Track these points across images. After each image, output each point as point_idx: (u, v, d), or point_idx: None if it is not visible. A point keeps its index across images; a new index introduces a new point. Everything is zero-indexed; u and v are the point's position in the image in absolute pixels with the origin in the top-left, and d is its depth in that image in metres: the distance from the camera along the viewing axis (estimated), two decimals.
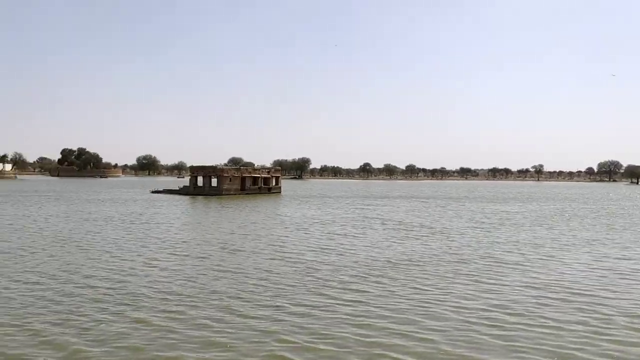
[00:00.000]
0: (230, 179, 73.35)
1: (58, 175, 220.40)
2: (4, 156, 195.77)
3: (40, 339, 10.15)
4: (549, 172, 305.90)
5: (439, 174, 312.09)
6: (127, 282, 15.25)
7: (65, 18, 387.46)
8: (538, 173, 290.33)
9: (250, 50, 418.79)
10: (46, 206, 47.31)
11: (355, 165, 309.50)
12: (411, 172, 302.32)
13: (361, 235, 27.77)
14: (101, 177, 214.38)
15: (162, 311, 12.20)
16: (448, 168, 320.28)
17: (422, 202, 63.26)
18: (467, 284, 15.75)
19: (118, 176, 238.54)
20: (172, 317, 11.79)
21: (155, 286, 14.73)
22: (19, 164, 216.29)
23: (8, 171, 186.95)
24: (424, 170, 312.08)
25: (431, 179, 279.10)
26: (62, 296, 13.40)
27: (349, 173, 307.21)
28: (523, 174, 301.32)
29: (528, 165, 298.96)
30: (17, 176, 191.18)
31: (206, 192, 72.39)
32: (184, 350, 9.69)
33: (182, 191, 75.51)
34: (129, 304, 12.72)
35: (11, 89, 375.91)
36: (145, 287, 14.62)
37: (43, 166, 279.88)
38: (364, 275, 16.87)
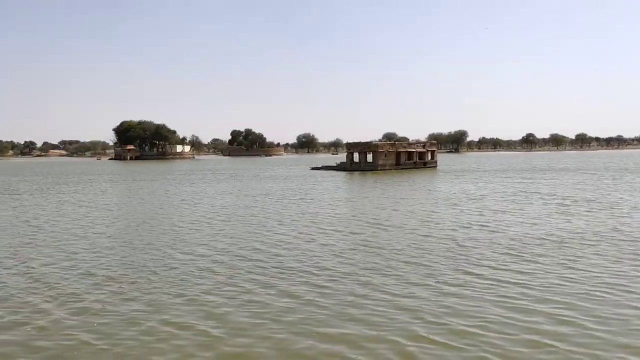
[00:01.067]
0: (385, 154, 73.53)
1: (229, 155, 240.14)
2: (184, 139, 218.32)
3: (198, 307, 10.98)
4: None
5: (615, 142, 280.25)
6: (280, 255, 15.97)
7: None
8: None
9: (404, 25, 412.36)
10: (217, 184, 51.84)
11: (517, 136, 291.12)
12: (582, 141, 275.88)
13: (517, 211, 25.94)
14: (265, 155, 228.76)
15: (311, 285, 12.53)
16: (626, 136, 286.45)
17: (591, 174, 57.30)
18: None
19: (280, 154, 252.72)
20: (320, 292, 12.04)
21: (306, 260, 15.20)
22: (196, 145, 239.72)
23: (187, 152, 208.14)
24: (597, 139, 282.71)
25: (606, 149, 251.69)
26: (217, 266, 14.44)
27: (509, 145, 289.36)
28: None
29: None
30: (195, 156, 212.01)
31: (362, 167, 73.51)
32: (329, 327, 9.81)
33: (340, 167, 77.63)
34: (280, 277, 13.28)
35: (196, 83, 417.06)
36: (295, 260, 15.17)
37: (216, 146, 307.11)
38: (519, 254, 15.68)
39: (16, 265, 14.90)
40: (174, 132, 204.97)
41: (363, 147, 75.17)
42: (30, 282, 12.96)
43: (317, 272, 13.79)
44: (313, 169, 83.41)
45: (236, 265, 14.62)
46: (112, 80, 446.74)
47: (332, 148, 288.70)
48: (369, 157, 74.58)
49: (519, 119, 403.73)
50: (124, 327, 9.65)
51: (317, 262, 14.95)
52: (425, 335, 9.37)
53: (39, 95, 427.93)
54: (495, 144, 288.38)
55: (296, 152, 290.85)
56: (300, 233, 20.03)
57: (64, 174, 76.73)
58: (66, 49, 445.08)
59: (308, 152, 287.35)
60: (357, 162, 75.61)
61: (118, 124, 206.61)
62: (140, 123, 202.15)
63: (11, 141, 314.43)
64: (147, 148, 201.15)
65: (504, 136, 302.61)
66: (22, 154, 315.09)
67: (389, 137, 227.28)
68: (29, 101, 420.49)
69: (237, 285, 12.53)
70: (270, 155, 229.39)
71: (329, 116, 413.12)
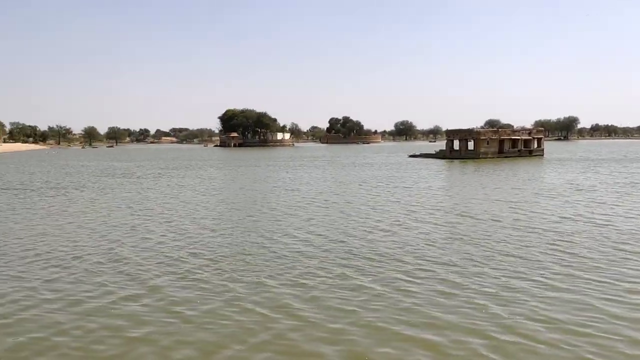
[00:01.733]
0: (487, 141, 70.81)
1: (326, 142, 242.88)
2: (284, 127, 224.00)
3: (291, 290, 11.24)
4: None
5: None
6: (373, 241, 15.92)
7: None
8: None
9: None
10: (314, 170, 52.73)
11: (635, 122, 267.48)
12: None
13: (631, 204, 23.94)
14: (363, 143, 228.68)
15: (403, 272, 12.39)
16: None
17: None
18: None
19: (378, 142, 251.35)
20: (411, 280, 11.88)
21: (398, 248, 15.05)
22: (296, 133, 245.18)
23: (287, 139, 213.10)
24: None
25: None
26: (311, 250, 14.69)
27: (626, 132, 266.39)
28: None
29: None
30: (294, 144, 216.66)
31: (462, 155, 71.36)
32: (419, 315, 9.70)
33: (439, 155, 75.93)
34: (372, 263, 13.26)
35: (296, 73, 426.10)
36: (387, 247, 15.06)
37: (314, 134, 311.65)
38: (630, 251, 14.48)
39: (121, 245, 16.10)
40: (275, 120, 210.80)
41: (464, 134, 72.84)
42: (144, 259, 13.94)
43: (409, 260, 13.63)
44: (411, 156, 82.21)
45: (330, 249, 14.81)
46: (217, 70, 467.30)
47: (431, 135, 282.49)
48: (470, 145, 72.17)
49: (636, 104, 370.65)
50: (223, 307, 10.12)
51: (410, 250, 14.77)
52: (524, 331, 8.97)
53: (152, 87, 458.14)
54: (609, 132, 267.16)
55: (393, 140, 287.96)
56: (395, 221, 19.86)
57: (174, 159, 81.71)
58: (165, 44, 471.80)
59: (406, 139, 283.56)
60: (457, 150, 73.49)
61: (223, 112, 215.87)
62: (243, 111, 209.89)
63: (128, 129, 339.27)
64: (249, 135, 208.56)
65: (619, 123, 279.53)
66: (138, 140, 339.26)
67: (492, 124, 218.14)
68: (144, 93, 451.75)
69: (329, 269, 12.69)
70: (367, 143, 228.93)
71: (428, 103, 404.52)
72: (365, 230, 17.91)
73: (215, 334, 8.79)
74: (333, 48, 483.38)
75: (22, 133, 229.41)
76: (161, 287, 11.28)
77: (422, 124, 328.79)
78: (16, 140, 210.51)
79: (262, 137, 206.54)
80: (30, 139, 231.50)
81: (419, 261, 13.50)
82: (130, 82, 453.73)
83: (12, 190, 33.09)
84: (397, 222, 19.56)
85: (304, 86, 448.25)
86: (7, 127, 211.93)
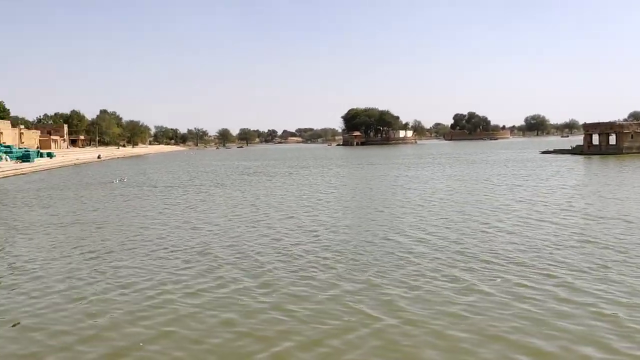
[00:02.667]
0: (631, 135, 64.28)
1: (451, 139, 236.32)
2: (406, 124, 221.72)
3: (399, 288, 10.94)
4: None
5: None
6: (494, 242, 15.04)
7: None
8: None
9: None
10: (435, 168, 51.49)
11: None
12: None
13: None
14: (490, 139, 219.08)
15: (516, 276, 11.53)
16: None
17: None
18: None
19: (506, 138, 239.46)
20: (522, 285, 10.97)
21: (513, 251, 14.06)
22: (418, 130, 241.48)
23: (409, 137, 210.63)
24: None
25: None
26: (423, 249, 14.22)
27: None
28: None
29: None
30: (417, 141, 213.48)
31: (603, 151, 65.37)
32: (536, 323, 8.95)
33: (575, 151, 70.34)
34: (485, 267, 12.53)
35: (419, 69, 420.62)
36: (505, 250, 14.12)
37: (438, 131, 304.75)
38: None
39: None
40: (397, 117, 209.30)
41: (604, 128, 66.68)
42: (263, 255, 14.45)
43: (529, 262, 12.59)
44: (543, 152, 77.11)
45: (442, 250, 14.25)
46: (341, 70, 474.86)
47: (566, 130, 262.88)
48: (612, 139, 65.94)
49: None
50: (329, 303, 10.12)
51: (532, 253, 13.62)
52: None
53: (278, 89, 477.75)
54: None
55: (523, 135, 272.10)
56: (518, 222, 18.56)
57: (299, 158, 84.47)
58: (291, 47, 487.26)
59: (537, 134, 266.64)
60: (596, 145, 67.47)
61: (346, 112, 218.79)
62: (365, 110, 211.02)
63: (257, 130, 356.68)
64: (371, 134, 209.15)
65: None
66: (266, 141, 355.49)
67: (637, 116, 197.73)
68: (271, 95, 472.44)
69: (440, 270, 12.17)
70: (495, 139, 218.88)
71: (560, 95, 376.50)
72: (483, 231, 16.97)
73: (317, 330, 8.81)
74: (454, 40, 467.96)
75: (165, 135, 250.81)
76: (273, 282, 11.58)
77: (555, 118, 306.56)
78: (160, 142, 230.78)
79: (384, 135, 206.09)
80: (172, 141, 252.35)
81: (539, 264, 12.47)
82: (259, 85, 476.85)
83: (160, 187, 36.19)
84: (520, 223, 18.29)
85: (427, 82, 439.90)
86: (152, 130, 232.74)
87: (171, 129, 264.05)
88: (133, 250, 14.99)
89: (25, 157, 66.01)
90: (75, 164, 76.70)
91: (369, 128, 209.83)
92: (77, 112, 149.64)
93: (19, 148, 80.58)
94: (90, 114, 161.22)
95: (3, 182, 43.99)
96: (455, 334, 8.53)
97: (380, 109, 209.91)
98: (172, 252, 14.76)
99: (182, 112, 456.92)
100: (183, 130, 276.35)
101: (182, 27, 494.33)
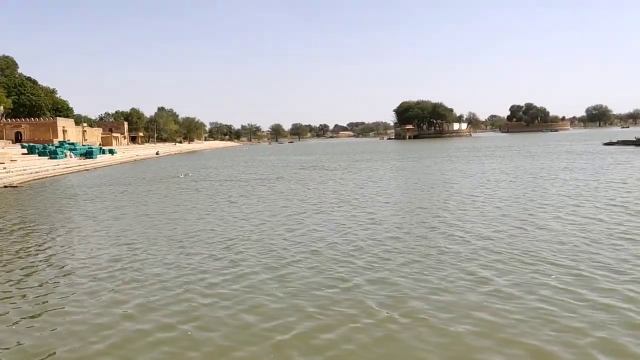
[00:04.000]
0: None
1: (507, 131, 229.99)
2: (460, 117, 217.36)
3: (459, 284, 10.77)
4: None
5: None
6: (533, 240, 14.55)
7: None
8: None
9: None
10: (488, 161, 50.27)
11: None
12: None
13: None
14: (548, 130, 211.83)
15: (545, 276, 11.11)
16: None
17: None
18: None
19: (567, 129, 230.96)
20: (545, 285, 10.50)
21: (547, 251, 13.54)
22: (473, 122, 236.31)
23: (464, 130, 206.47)
24: None
25: None
26: (477, 247, 13.92)
27: None
28: None
29: None
30: (471, 134, 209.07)
31: None
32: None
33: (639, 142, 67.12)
34: (516, 267, 12.15)
35: (472, 59, 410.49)
36: (539, 248, 13.65)
37: (493, 123, 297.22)
38: None
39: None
40: (451, 110, 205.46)
41: None
42: (289, 247, 14.56)
43: (565, 263, 12.08)
44: (606, 144, 73.84)
45: (500, 250, 13.92)
46: (392, 63, 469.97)
47: (630, 120, 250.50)
48: None
49: None
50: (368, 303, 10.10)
51: (571, 252, 12.98)
52: None
53: (329, 85, 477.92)
54: None
55: (584, 127, 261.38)
56: (571, 223, 17.72)
57: (351, 153, 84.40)
58: (342, 44, 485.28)
59: (599, 125, 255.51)
60: None
61: (398, 105, 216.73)
62: (418, 103, 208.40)
63: (309, 125, 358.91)
64: (424, 127, 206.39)
65: None
66: (317, 135, 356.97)
67: None
68: (322, 91, 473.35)
69: (469, 271, 11.91)
70: (554, 131, 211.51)
71: (624, 85, 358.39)
72: (536, 231, 16.24)
73: (351, 329, 8.82)
74: (511, 32, 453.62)
75: (220, 131, 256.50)
76: (291, 275, 11.64)
77: (618, 108, 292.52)
78: (215, 138, 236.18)
79: (437, 128, 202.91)
80: (227, 137, 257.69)
81: (574, 264, 11.88)
82: (310, 80, 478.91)
83: (221, 180, 37.09)
84: (575, 222, 17.49)
85: (482, 73, 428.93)
86: (207, 127, 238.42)
87: (225, 125, 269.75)
88: (219, 238, 15.42)
89: (88, 154, 68.96)
90: (135, 160, 79.62)
91: (421, 121, 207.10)
92: (136, 110, 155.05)
93: (83, 145, 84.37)
94: (148, 111, 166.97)
95: (70, 177, 46.20)
96: (474, 339, 8.35)
97: (434, 101, 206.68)
98: (209, 243, 15.08)
99: (236, 108, 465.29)
100: (237, 126, 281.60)
101: (236, 25, 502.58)
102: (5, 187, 34.88)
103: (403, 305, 9.56)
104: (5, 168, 41.37)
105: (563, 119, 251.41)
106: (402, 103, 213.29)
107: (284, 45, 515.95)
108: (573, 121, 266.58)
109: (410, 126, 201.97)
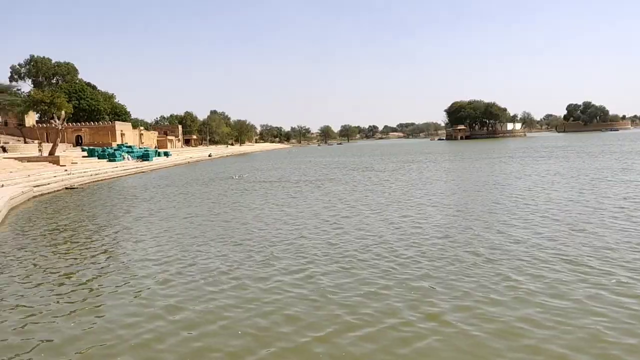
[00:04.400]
0: None
1: (564, 131, 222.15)
2: (514, 116, 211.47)
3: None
4: None
5: None
6: (570, 244, 13.87)
7: None
8: None
9: None
10: (540, 162, 48.63)
11: None
12: None
13: None
14: (609, 130, 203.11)
15: (590, 284, 10.53)
16: None
17: None
18: None
19: (627, 128, 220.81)
20: (588, 296, 9.99)
21: (587, 254, 12.85)
22: (528, 122, 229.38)
23: (518, 130, 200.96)
24: None
25: None
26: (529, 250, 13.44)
27: None
28: None
29: None
30: (526, 134, 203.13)
31: None
32: None
33: None
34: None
35: (526, 57, 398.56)
36: (579, 251, 12.98)
37: (549, 123, 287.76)
38: None
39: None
40: (505, 109, 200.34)
41: None
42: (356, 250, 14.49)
43: (596, 265, 11.45)
44: None
45: (549, 258, 13.40)
46: (445, 63, 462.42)
47: None
48: None
49: None
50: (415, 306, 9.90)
51: (609, 256, 12.36)
52: None
53: (379, 86, 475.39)
54: None
55: None
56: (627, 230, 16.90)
57: (402, 154, 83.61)
58: (388, 45, 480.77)
59: None
60: None
61: (449, 105, 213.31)
62: (470, 103, 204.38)
63: (358, 126, 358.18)
64: (476, 127, 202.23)
65: None
66: (367, 137, 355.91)
67: None
68: (371, 91, 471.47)
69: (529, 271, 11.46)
70: (615, 130, 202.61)
71: None
72: (596, 236, 15.70)
73: (389, 331, 8.67)
74: (566, 29, 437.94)
75: (270, 134, 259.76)
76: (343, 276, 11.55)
77: None
78: (265, 140, 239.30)
79: (490, 128, 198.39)
80: (276, 139, 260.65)
81: (608, 269, 11.27)
82: (356, 81, 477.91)
83: (274, 182, 37.58)
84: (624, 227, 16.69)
85: (537, 71, 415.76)
86: (258, 129, 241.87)
87: (275, 127, 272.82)
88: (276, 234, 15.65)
89: (145, 156, 71.25)
90: (189, 163, 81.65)
91: (474, 121, 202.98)
92: (190, 114, 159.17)
93: (139, 148, 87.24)
94: (201, 114, 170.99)
95: (127, 179, 47.87)
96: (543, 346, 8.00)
97: (486, 100, 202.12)
98: (256, 243, 15.21)
99: (286, 110, 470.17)
100: (287, 128, 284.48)
101: (290, 29, 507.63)
102: (66, 188, 36.46)
103: (430, 309, 9.35)
104: (66, 170, 43.25)
105: (623, 117, 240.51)
106: (453, 103, 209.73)
107: (332, 47, 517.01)
108: (634, 120, 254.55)
109: (462, 126, 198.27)
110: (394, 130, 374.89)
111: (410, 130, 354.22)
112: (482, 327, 8.50)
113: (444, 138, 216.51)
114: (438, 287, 10.69)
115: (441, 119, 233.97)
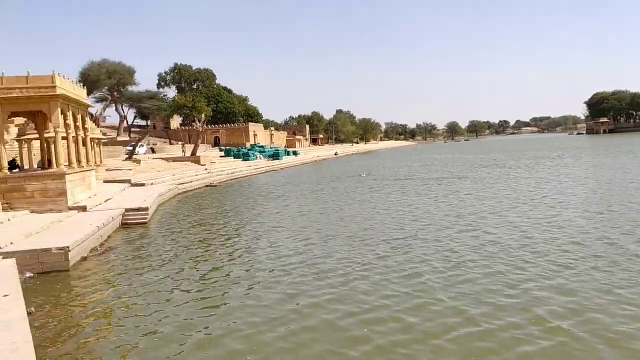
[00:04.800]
0: None
1: None
2: None
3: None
4: None
5: None
6: None
7: None
8: None
9: None
10: None
11: None
12: None
13: None
14: None
15: None
16: None
17: None
18: None
19: None
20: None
21: None
22: None
23: None
24: None
25: None
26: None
27: None
28: None
29: None
30: None
31: None
32: None
33: None
34: None
35: None
36: None
37: None
38: None
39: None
40: None
41: None
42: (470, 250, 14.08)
43: None
44: None
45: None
46: (585, 51, 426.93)
47: None
48: None
49: None
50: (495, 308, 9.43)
51: None
52: None
53: (511, 78, 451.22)
54: None
55: None
56: None
57: (537, 150, 78.91)
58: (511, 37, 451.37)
59: None
60: None
61: (590, 97, 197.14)
62: (614, 94, 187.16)
63: (488, 121, 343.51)
64: (622, 120, 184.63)
65: None
66: (497, 132, 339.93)
67: None
68: (502, 85, 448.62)
69: None
70: None
71: None
72: None
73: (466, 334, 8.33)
74: None
75: (395, 131, 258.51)
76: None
77: None
78: (390, 138, 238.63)
79: (637, 121, 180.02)
80: (402, 137, 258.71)
81: None
82: (487, 72, 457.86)
83: (402, 179, 37.78)
84: None
85: None
86: (383, 127, 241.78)
87: (400, 125, 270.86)
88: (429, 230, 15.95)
89: (275, 156, 74.61)
90: (316, 161, 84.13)
91: (618, 113, 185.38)
92: (317, 113, 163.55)
93: (270, 147, 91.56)
94: (328, 114, 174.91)
95: (260, 177, 50.63)
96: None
97: (633, 91, 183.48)
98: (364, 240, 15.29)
99: (412, 107, 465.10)
100: (412, 125, 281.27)
101: (419, 24, 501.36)
102: (207, 186, 39.53)
103: (579, 317, 8.88)
104: (207, 169, 46.83)
105: None
106: (595, 94, 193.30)
107: (460, 38, 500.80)
108: None
109: (605, 119, 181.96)
110: (527, 125, 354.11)
111: (545, 125, 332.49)
112: None
113: (584, 132, 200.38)
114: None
115: (580, 111, 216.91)
